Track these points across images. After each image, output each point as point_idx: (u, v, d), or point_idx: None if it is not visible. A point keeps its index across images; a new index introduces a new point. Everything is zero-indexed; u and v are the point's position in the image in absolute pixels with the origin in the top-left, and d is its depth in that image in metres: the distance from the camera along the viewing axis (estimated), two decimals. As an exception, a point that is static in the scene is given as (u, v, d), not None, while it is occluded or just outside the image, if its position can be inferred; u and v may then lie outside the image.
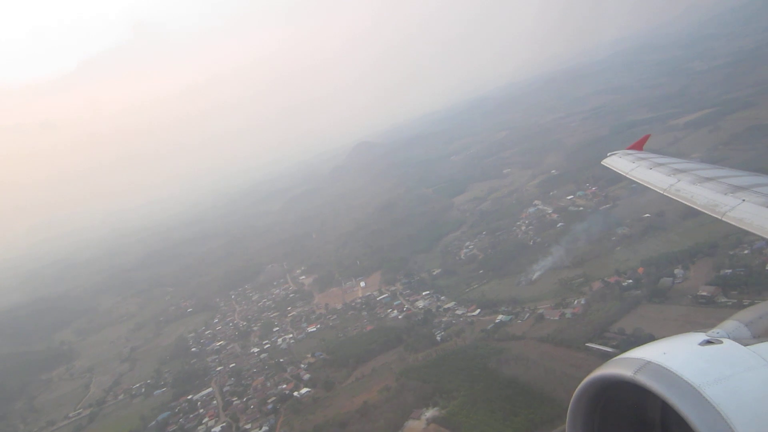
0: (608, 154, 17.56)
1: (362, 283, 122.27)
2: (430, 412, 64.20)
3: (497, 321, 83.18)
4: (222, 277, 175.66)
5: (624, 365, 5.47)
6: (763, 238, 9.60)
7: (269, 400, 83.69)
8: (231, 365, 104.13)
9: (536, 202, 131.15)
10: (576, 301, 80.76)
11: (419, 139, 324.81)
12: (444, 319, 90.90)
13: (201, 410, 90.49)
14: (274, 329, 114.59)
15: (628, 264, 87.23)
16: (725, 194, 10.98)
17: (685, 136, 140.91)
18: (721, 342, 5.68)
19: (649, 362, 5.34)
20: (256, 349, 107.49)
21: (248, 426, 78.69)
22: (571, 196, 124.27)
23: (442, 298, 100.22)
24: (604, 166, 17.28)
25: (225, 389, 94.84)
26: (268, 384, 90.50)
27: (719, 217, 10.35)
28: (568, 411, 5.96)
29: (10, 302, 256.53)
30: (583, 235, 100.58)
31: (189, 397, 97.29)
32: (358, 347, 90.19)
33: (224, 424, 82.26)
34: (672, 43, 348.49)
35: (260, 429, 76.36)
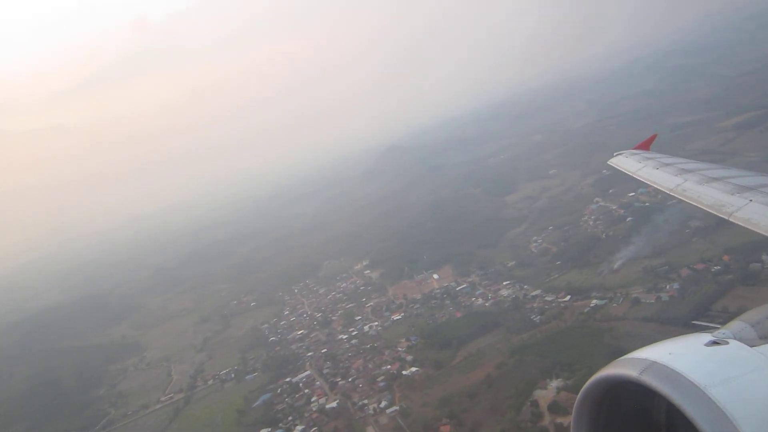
0: (615, 154, 18.14)
1: (435, 276, 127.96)
2: (555, 383, 69.90)
3: (592, 305, 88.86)
4: (279, 274, 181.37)
5: (629, 365, 5.59)
6: None
7: (378, 379, 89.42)
8: (322, 350, 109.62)
9: (597, 199, 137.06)
10: (668, 286, 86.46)
11: (448, 143, 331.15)
12: (535, 305, 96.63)
13: (306, 390, 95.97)
14: (356, 318, 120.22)
15: (709, 253, 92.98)
16: (732, 194, 11.05)
17: (736, 137, 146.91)
18: (727, 343, 5.78)
19: (654, 362, 5.43)
20: (343, 336, 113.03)
21: (365, 401, 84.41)
22: (633, 193, 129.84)
23: (526, 287, 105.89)
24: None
25: (324, 372, 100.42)
26: (370, 366, 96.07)
27: (726, 218, 10.55)
28: (573, 411, 6.21)
29: (53, 300, 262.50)
30: (657, 228, 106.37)
31: (287, 379, 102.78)
32: (455, 331, 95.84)
33: (337, 401, 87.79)
34: (691, 50, 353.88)
35: (379, 403, 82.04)
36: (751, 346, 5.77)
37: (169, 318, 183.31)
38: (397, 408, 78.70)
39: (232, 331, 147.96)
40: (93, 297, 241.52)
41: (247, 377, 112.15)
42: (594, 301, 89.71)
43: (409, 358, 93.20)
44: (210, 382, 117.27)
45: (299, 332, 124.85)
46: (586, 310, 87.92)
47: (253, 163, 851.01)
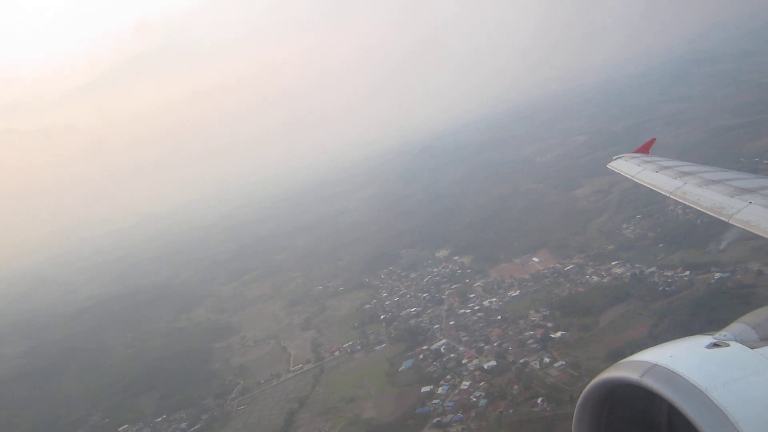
0: (614, 158, 18.84)
1: (535, 259, 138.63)
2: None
3: (716, 277, 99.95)
4: (355, 262, 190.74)
5: (630, 368, 5.80)
6: None
7: (527, 342, 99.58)
8: (451, 322, 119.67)
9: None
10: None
11: (483, 144, 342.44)
12: (656, 280, 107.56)
13: (452, 355, 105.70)
14: (470, 296, 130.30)
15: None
16: (731, 197, 11.26)
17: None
18: (728, 345, 6.04)
19: (655, 365, 5.61)
20: (465, 311, 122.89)
21: (524, 359, 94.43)
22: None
23: (637, 265, 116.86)
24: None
25: (463, 339, 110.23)
26: (510, 333, 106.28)
27: (726, 220, 10.80)
28: (574, 414, 6.41)
29: (103, 293, 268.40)
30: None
31: (424, 347, 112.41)
32: (587, 301, 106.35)
33: (494, 361, 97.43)
34: (708, 58, 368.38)
35: (542, 360, 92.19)
36: (752, 348, 5.99)
37: (250, 303, 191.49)
38: (563, 363, 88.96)
39: (331, 312, 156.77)
40: (149, 288, 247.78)
41: (377, 348, 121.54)
42: (717, 274, 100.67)
43: (550, 324, 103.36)
44: (336, 353, 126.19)
45: (412, 309, 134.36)
46: (712, 281, 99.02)
47: (260, 164, 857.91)
